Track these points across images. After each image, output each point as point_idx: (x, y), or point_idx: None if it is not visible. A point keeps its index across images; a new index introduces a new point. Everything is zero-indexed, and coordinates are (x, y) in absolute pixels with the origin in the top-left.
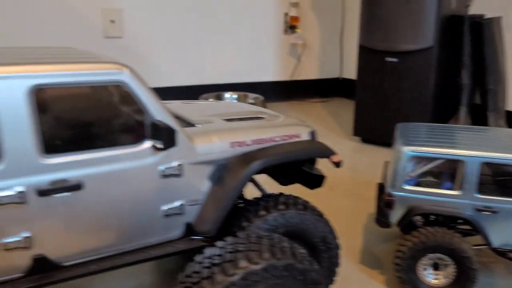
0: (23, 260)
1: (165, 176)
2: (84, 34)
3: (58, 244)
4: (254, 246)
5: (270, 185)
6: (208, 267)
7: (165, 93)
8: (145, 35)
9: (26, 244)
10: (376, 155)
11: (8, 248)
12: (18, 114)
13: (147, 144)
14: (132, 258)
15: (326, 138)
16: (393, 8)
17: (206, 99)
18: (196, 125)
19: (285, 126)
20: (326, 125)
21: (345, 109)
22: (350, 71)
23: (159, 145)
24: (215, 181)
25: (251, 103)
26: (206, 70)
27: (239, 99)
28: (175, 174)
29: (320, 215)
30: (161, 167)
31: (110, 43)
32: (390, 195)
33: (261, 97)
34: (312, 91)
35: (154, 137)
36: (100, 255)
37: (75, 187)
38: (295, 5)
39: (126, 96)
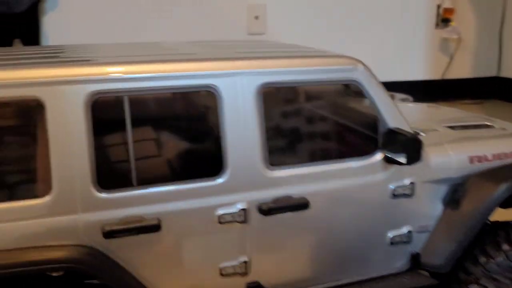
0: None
1: (395, 196)
2: (229, 31)
3: (274, 271)
4: None
5: None
6: None
7: None
8: (286, 31)
9: (242, 270)
10: None
11: (224, 273)
12: (244, 117)
13: (379, 156)
14: None
15: None
16: None
17: None
18: (420, 134)
19: None
20: None
21: (507, 112)
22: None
23: (401, 159)
24: (449, 204)
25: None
26: None
27: None
28: (406, 194)
29: None
30: (392, 185)
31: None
32: None
33: (410, 98)
34: (465, 91)
35: (388, 148)
36: (316, 285)
37: (300, 206)
38: None
39: (356, 97)
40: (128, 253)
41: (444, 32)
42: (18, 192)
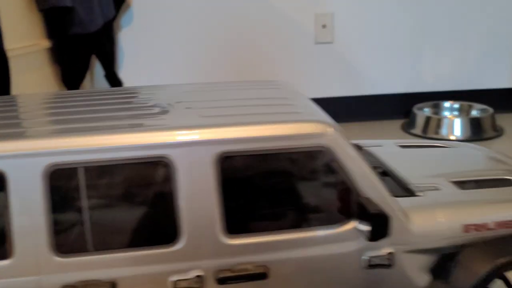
0: None
1: (371, 266)
2: (296, 40)
3: None
4: None
5: None
6: None
7: (377, 101)
8: (355, 39)
9: None
10: None
11: None
12: (201, 185)
13: (351, 225)
14: None
15: None
16: None
17: (421, 109)
18: (417, 194)
19: None
20: None
21: None
22: None
23: (366, 234)
24: (437, 274)
25: (476, 118)
26: (423, 76)
27: (461, 109)
28: (384, 264)
29: None
30: (367, 256)
31: (320, 49)
32: None
33: (490, 109)
34: None
35: (360, 217)
36: None
37: (259, 275)
38: None
39: (326, 162)
40: None
41: None
42: None
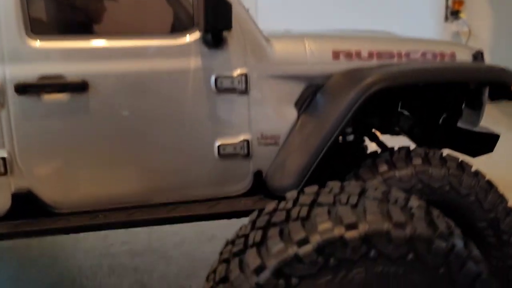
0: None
1: (221, 90)
2: None
3: (51, 178)
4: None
5: None
6: (263, 228)
7: None
8: (279, 24)
9: (1, 169)
10: None
11: None
12: None
13: (194, 36)
14: (162, 214)
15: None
16: None
17: None
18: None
19: (430, 42)
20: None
21: None
22: None
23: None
24: (305, 109)
25: None
26: None
27: None
28: (238, 89)
29: (489, 184)
30: (215, 75)
31: None
32: None
33: None
34: None
35: (203, 24)
36: (115, 205)
37: (76, 86)
38: None
39: None
40: None
41: (454, 26)
42: None
